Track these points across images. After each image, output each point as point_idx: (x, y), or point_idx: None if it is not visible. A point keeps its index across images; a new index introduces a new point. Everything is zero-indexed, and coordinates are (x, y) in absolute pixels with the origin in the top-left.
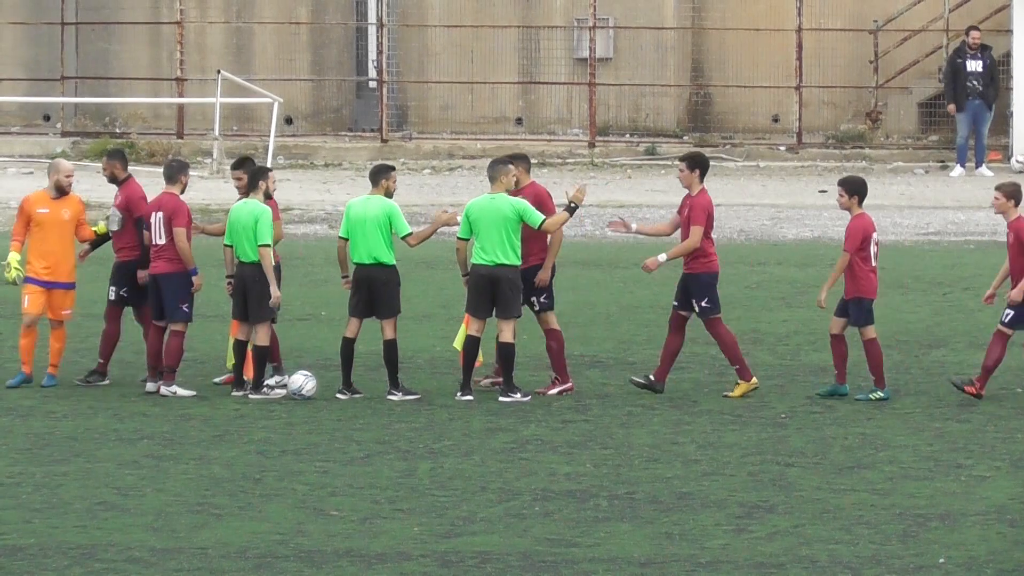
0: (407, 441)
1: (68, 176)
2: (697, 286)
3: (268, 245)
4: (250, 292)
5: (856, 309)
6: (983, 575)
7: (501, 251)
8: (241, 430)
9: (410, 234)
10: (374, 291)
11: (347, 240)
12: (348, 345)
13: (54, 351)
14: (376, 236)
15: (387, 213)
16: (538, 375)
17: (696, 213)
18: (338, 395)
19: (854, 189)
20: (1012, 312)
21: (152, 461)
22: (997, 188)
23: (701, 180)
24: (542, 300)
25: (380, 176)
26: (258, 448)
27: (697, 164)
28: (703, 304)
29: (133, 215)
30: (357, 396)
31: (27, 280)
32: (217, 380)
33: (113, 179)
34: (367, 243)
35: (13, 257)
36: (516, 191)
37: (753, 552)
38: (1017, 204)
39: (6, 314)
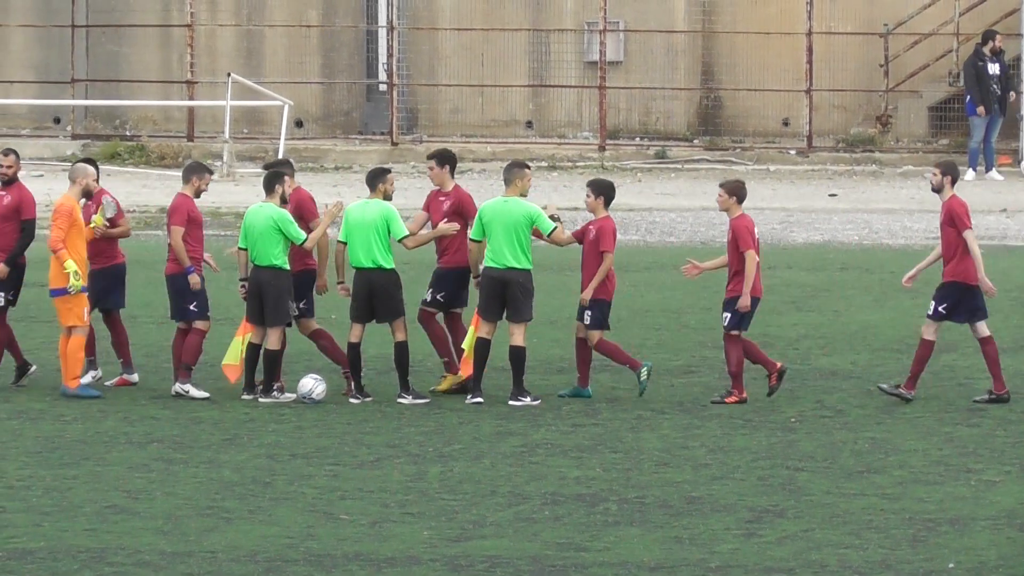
0: (417, 445)
1: (95, 180)
2: (446, 279)
3: (304, 240)
4: (266, 296)
5: (597, 310)
6: None
7: (511, 254)
8: (251, 434)
9: (407, 236)
10: (374, 295)
11: (346, 244)
12: (354, 350)
13: (82, 360)
14: (374, 240)
15: (384, 217)
16: (548, 378)
17: (468, 209)
18: (351, 399)
19: (600, 191)
20: (729, 315)
21: (162, 464)
22: (720, 186)
23: (452, 176)
24: (301, 306)
25: (377, 180)
26: (268, 452)
27: (446, 160)
28: (439, 297)
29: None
30: (368, 400)
31: (84, 289)
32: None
33: (12, 179)
34: (366, 247)
35: (74, 264)
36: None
37: (763, 556)
38: (740, 202)
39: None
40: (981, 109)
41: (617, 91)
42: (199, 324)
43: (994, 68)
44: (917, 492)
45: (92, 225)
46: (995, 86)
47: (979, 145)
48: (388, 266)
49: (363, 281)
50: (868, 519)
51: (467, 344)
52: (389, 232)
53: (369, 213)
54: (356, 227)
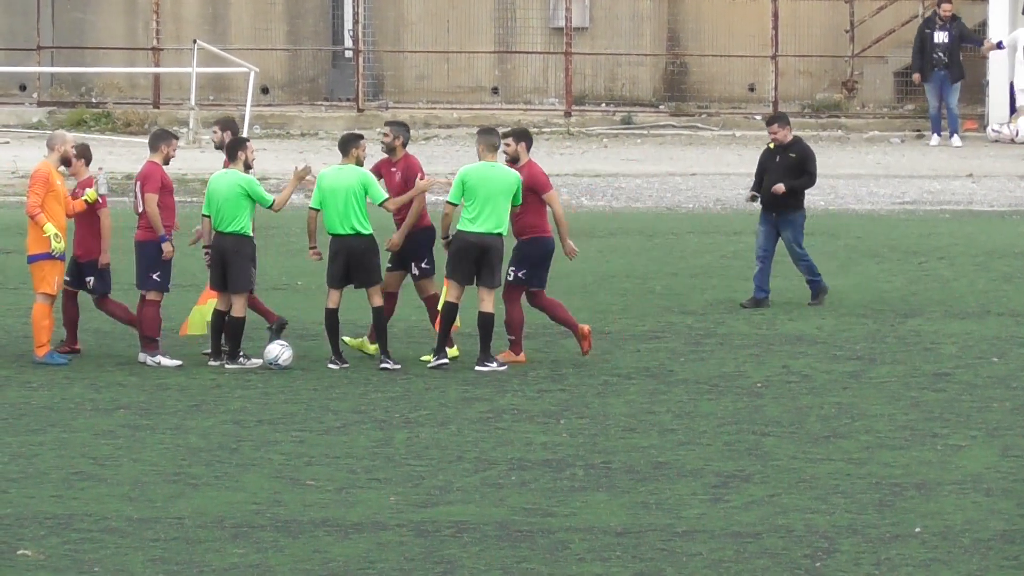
0: (383, 411)
1: (73, 147)
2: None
3: (272, 203)
4: (229, 263)
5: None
6: (959, 544)
7: (496, 221)
8: (217, 400)
9: (387, 200)
10: (352, 261)
11: (319, 211)
12: (332, 316)
13: (49, 328)
14: (352, 206)
15: (362, 182)
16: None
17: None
18: (330, 365)
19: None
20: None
21: (128, 431)
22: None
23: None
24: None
25: (350, 145)
26: (234, 418)
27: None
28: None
29: None
30: (346, 366)
31: (61, 256)
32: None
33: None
34: (343, 213)
35: (53, 227)
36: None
37: (729, 521)
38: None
39: None
40: (916, 76)
41: (583, 57)
42: (153, 295)
43: (941, 36)
44: (883, 457)
45: (84, 199)
46: (939, 54)
47: (937, 111)
48: (366, 232)
49: (340, 247)
50: (834, 484)
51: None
52: (366, 197)
53: (345, 178)
54: (332, 193)
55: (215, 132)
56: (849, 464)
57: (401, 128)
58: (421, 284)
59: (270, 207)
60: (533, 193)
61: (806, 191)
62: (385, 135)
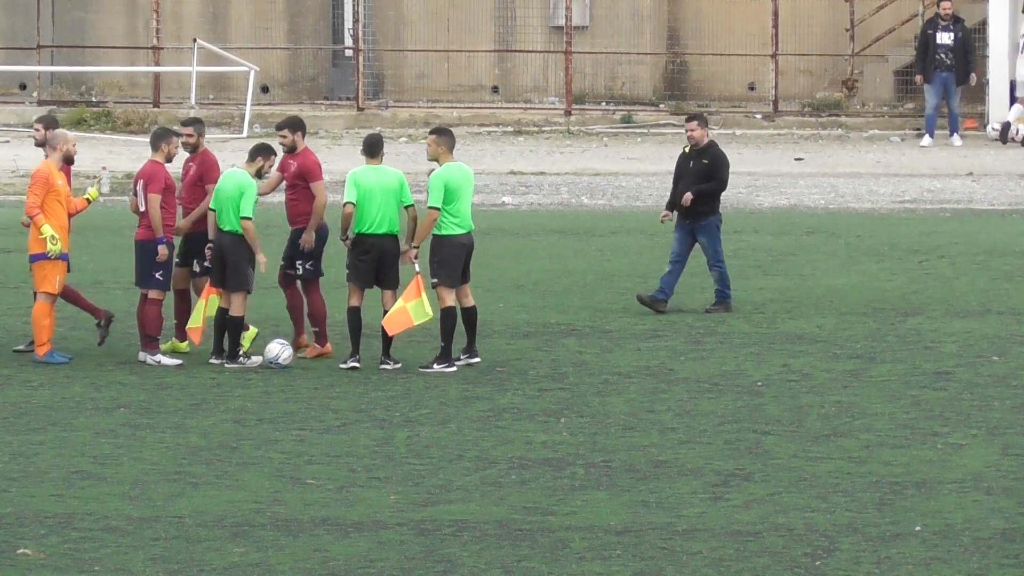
0: (383, 409)
1: (75, 145)
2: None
3: (249, 218)
4: (228, 261)
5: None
6: (959, 543)
7: (471, 218)
8: (218, 399)
9: (412, 205)
10: (385, 261)
11: (354, 205)
12: (355, 314)
13: (49, 327)
14: (394, 206)
15: (402, 184)
16: (515, 343)
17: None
18: (341, 365)
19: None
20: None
21: (129, 430)
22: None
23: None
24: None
25: (380, 148)
26: (235, 417)
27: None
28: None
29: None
30: (358, 366)
31: (63, 256)
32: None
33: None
34: (383, 212)
35: (51, 229)
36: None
37: (729, 520)
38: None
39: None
40: (919, 77)
41: (583, 56)
42: (155, 294)
43: (945, 37)
44: (883, 455)
45: (86, 196)
46: (942, 55)
47: (934, 111)
48: (397, 232)
49: (374, 246)
50: (835, 482)
51: (418, 315)
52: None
53: (387, 179)
54: (373, 193)
55: (37, 129)
56: (849, 463)
57: (201, 126)
58: (198, 282)
59: (241, 218)
60: (305, 181)
61: (722, 195)
62: (189, 135)
